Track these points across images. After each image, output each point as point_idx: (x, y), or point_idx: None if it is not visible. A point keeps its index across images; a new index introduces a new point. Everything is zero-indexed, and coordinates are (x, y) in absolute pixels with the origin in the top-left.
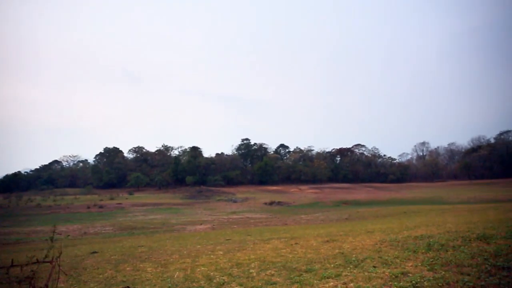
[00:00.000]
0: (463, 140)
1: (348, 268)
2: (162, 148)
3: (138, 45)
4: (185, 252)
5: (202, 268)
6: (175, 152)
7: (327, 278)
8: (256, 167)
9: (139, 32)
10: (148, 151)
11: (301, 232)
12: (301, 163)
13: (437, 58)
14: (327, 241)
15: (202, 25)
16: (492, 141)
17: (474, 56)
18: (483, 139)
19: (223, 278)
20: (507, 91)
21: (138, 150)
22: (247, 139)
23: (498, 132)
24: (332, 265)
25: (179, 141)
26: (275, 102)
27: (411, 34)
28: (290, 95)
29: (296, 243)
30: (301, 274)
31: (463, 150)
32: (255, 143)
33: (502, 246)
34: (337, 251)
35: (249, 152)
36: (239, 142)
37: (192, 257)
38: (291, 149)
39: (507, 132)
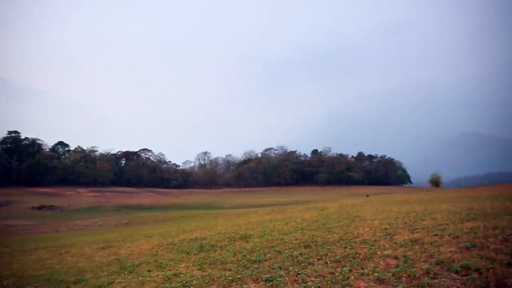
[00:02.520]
0: (238, 153)
1: (123, 275)
2: None
3: None
4: None
5: None
6: None
7: (99, 287)
8: (25, 166)
9: None
10: None
11: (74, 240)
12: (81, 163)
13: (217, 82)
14: (103, 247)
15: None
16: (259, 155)
17: (253, 83)
18: (253, 153)
19: None
20: (273, 113)
21: None
22: (16, 131)
23: (264, 148)
24: (105, 273)
25: None
26: (56, 96)
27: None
28: (79, 90)
29: (66, 252)
30: (69, 286)
31: (237, 162)
32: (26, 138)
33: (257, 243)
34: (112, 257)
35: (17, 147)
36: (4, 134)
37: None
38: (72, 148)
39: (270, 149)
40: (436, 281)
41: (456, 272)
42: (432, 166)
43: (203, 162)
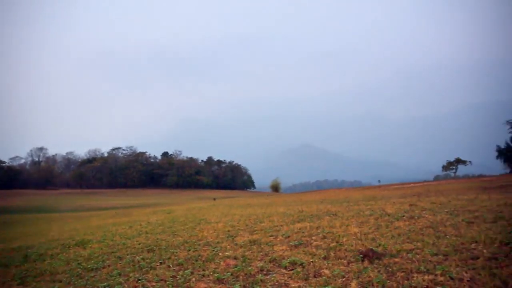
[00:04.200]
0: (82, 151)
1: None
2: None
3: None
4: None
5: None
6: None
7: None
8: None
9: None
10: None
11: None
12: None
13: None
14: None
15: None
16: (106, 155)
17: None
18: (99, 152)
19: None
20: (126, 113)
21: None
22: None
23: (111, 148)
24: None
25: None
26: None
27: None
28: None
29: None
30: None
31: (79, 160)
32: None
33: (96, 249)
34: None
35: None
36: None
37: None
38: None
39: (118, 148)
40: (268, 277)
41: (285, 267)
42: (273, 173)
43: (37, 159)
